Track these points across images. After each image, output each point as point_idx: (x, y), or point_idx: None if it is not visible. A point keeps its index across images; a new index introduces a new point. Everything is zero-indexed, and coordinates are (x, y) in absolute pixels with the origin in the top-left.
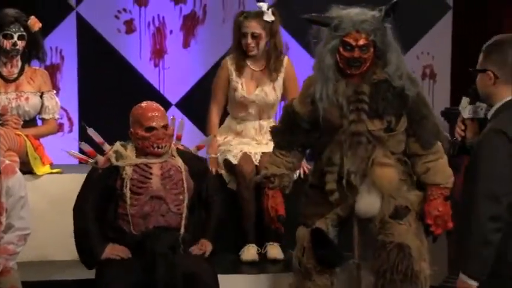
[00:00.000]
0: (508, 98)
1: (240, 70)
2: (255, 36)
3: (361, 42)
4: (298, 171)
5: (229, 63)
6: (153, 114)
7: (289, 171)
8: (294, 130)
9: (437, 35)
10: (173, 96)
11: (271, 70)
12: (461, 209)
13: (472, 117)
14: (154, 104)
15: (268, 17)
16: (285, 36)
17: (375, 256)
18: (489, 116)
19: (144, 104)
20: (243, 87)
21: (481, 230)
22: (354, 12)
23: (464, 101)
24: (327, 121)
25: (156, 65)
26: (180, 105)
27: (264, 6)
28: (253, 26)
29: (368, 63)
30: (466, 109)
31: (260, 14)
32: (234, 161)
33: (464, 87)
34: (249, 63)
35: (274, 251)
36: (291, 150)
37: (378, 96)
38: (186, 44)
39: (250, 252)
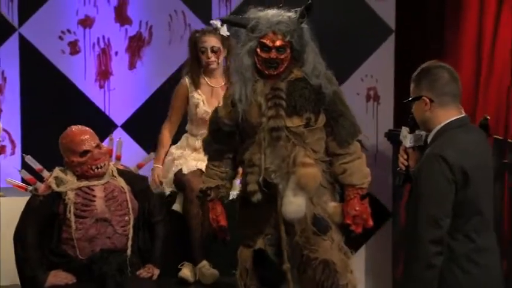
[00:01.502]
0: (445, 122)
1: (199, 87)
2: (214, 51)
3: (278, 43)
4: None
5: (188, 82)
6: (82, 137)
7: (225, 181)
8: (220, 137)
9: (380, 58)
10: (119, 118)
11: None
12: (406, 233)
13: (413, 145)
14: (81, 127)
15: (224, 31)
16: None
17: (299, 270)
18: (429, 140)
19: (69, 130)
20: (204, 103)
21: (424, 254)
22: (271, 13)
23: (404, 130)
24: (246, 121)
25: (101, 87)
26: (126, 126)
27: (217, 23)
28: (212, 41)
29: (285, 64)
30: (407, 138)
31: (215, 29)
32: (185, 171)
33: (407, 109)
34: (207, 81)
35: (186, 271)
36: (222, 160)
37: (295, 93)
38: (131, 65)
39: (186, 270)
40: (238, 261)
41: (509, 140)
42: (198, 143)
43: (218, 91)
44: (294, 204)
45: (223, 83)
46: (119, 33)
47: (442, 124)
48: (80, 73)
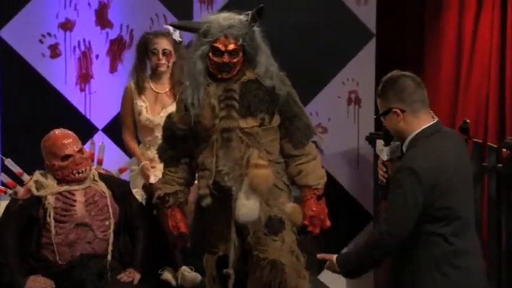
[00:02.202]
0: (419, 130)
1: (143, 93)
2: (165, 53)
3: (230, 47)
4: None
5: (133, 87)
6: (65, 141)
7: (183, 186)
8: (174, 143)
9: (361, 62)
10: (100, 121)
11: (176, 92)
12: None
13: (390, 158)
14: (64, 131)
15: (177, 36)
16: None
17: (249, 272)
18: (404, 149)
19: (52, 133)
20: (147, 110)
21: (369, 254)
22: (222, 17)
23: (379, 144)
24: (200, 125)
25: (82, 90)
26: (107, 130)
27: (170, 28)
28: (164, 43)
29: (238, 67)
30: (383, 152)
31: (168, 33)
32: (153, 181)
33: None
34: (152, 86)
35: (167, 275)
36: (178, 165)
37: (249, 94)
38: (112, 69)
39: (167, 274)
40: (205, 269)
41: (489, 144)
42: (151, 153)
43: (163, 97)
44: (246, 207)
45: (167, 89)
46: (100, 37)
47: (416, 132)
48: (61, 76)
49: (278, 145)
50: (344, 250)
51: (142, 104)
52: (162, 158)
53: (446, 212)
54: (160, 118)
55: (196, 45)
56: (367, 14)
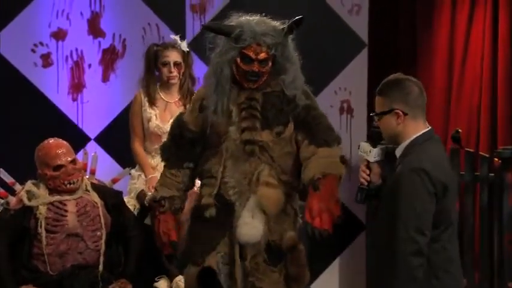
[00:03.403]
0: (417, 134)
1: (153, 102)
2: (176, 65)
3: (262, 56)
4: None
5: (142, 95)
6: (58, 151)
7: (181, 192)
8: (181, 144)
9: (353, 71)
10: (92, 131)
11: (186, 101)
12: (381, 247)
13: (378, 160)
14: (58, 141)
15: (184, 47)
16: (202, 68)
17: None
18: (397, 154)
19: (46, 142)
20: (157, 117)
21: (407, 267)
22: (255, 21)
23: (366, 145)
24: (213, 129)
25: (74, 99)
26: (99, 139)
27: (177, 38)
28: (175, 55)
29: (265, 77)
30: (371, 153)
31: (176, 44)
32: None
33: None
34: (162, 95)
35: (162, 284)
36: (180, 168)
37: (269, 106)
38: (105, 78)
39: (162, 283)
40: (184, 280)
41: (481, 153)
42: (155, 161)
43: (172, 106)
44: (250, 227)
45: (177, 98)
46: (92, 46)
47: (413, 138)
48: (53, 86)
49: (292, 161)
50: (336, 260)
51: (151, 111)
52: (164, 156)
53: (445, 216)
54: (169, 126)
55: (225, 49)
56: (359, 23)
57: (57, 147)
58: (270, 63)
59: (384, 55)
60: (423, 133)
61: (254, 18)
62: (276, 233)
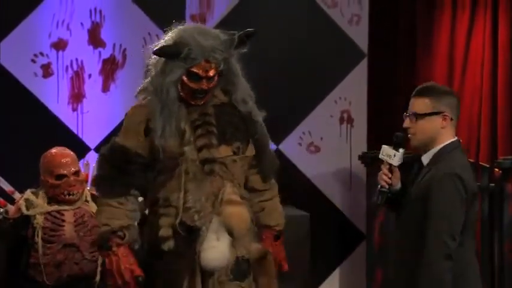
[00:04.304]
0: (447, 142)
1: None
2: None
3: (211, 73)
4: None
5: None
6: (63, 161)
7: (134, 221)
8: (128, 170)
9: (353, 81)
10: (92, 141)
11: None
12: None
13: (400, 163)
14: (65, 150)
15: None
16: None
17: None
18: (425, 161)
19: (54, 150)
20: None
21: (438, 269)
22: (201, 35)
23: (388, 149)
24: (164, 153)
25: (74, 109)
26: (100, 149)
27: None
28: None
29: (211, 92)
30: (395, 157)
31: None
32: None
33: (380, 131)
34: None
35: None
36: (127, 196)
37: (224, 119)
38: (105, 88)
39: None
40: None
41: (481, 163)
42: None
43: None
44: (216, 250)
45: None
46: (93, 56)
47: (442, 145)
48: (53, 96)
49: (243, 178)
50: (337, 269)
51: None
52: (109, 187)
53: (470, 222)
54: None
55: (169, 68)
56: (359, 34)
57: (63, 156)
58: (216, 78)
59: (384, 65)
60: (452, 142)
61: (196, 29)
62: (241, 247)
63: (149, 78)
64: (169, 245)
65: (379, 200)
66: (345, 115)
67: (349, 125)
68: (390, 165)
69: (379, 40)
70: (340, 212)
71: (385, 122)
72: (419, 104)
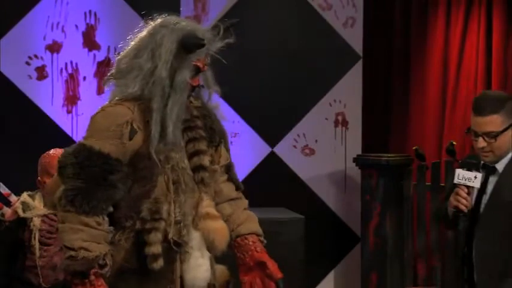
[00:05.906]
0: None
1: None
2: None
3: (206, 68)
4: None
5: None
6: None
7: (108, 245)
8: (108, 182)
9: (348, 84)
10: None
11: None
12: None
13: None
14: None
15: None
16: None
17: None
18: (500, 168)
19: (51, 151)
20: None
21: None
22: (200, 26)
23: (468, 172)
24: (148, 161)
25: (69, 112)
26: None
27: None
28: None
29: None
30: (477, 179)
31: None
32: None
33: (375, 134)
34: None
35: None
36: (103, 215)
37: (206, 123)
38: (100, 91)
39: None
40: None
41: None
42: None
43: None
44: (203, 268)
45: None
46: (87, 59)
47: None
48: (47, 98)
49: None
50: (331, 272)
51: None
52: (84, 203)
53: None
54: None
55: (178, 62)
56: (354, 36)
57: None
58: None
59: (379, 68)
60: None
61: (186, 19)
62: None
63: (145, 70)
64: (160, 264)
65: (461, 225)
66: (340, 118)
67: (344, 128)
68: (468, 187)
69: (374, 42)
70: (335, 215)
71: (380, 124)
72: (492, 123)
